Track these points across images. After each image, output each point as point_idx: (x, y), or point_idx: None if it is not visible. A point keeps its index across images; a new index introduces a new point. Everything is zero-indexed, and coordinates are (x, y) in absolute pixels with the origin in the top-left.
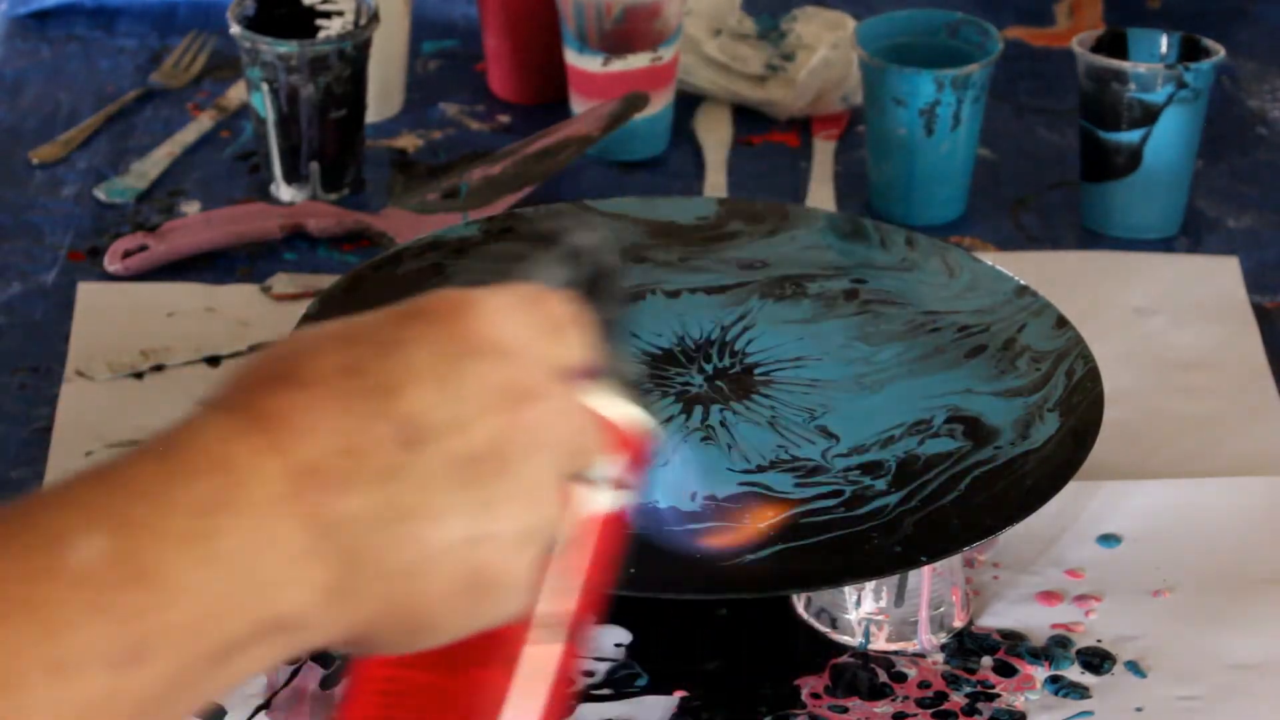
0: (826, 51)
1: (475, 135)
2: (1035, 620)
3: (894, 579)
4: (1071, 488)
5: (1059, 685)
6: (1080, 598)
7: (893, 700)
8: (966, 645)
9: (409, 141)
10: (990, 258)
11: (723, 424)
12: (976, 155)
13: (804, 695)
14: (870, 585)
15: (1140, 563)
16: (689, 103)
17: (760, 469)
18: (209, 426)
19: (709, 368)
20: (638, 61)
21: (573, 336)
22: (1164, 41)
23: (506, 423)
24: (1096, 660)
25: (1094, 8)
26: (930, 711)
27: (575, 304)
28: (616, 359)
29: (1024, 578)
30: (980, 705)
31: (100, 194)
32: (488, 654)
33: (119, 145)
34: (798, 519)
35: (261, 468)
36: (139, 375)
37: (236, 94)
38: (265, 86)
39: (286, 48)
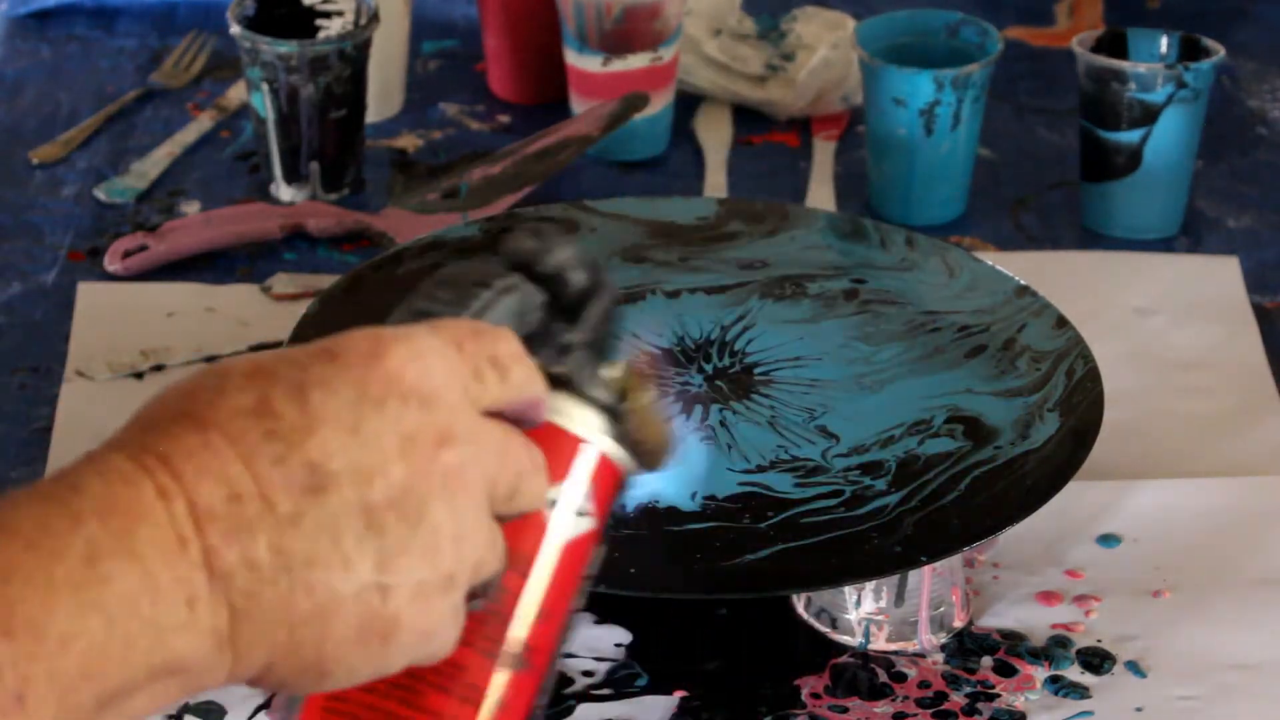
0: (826, 51)
1: (475, 135)
2: (1035, 620)
3: (894, 579)
4: (1071, 488)
5: (1059, 685)
6: (1080, 598)
7: (893, 700)
8: (966, 645)
9: (409, 141)
10: (990, 258)
11: (723, 424)
12: (976, 155)
13: (804, 695)
14: (870, 585)
15: (1140, 563)
16: (689, 103)
17: (760, 469)
18: (108, 468)
19: (709, 368)
20: (638, 61)
21: (511, 373)
22: (1164, 41)
23: (418, 470)
24: (1096, 660)
25: (1094, 8)
26: (930, 711)
27: (513, 339)
28: (594, 381)
29: (1024, 578)
30: (980, 705)
31: (100, 194)
32: (446, 681)
33: (119, 145)
34: (798, 519)
35: (156, 512)
36: (139, 375)
37: (236, 94)
38: (265, 86)
39: (286, 48)
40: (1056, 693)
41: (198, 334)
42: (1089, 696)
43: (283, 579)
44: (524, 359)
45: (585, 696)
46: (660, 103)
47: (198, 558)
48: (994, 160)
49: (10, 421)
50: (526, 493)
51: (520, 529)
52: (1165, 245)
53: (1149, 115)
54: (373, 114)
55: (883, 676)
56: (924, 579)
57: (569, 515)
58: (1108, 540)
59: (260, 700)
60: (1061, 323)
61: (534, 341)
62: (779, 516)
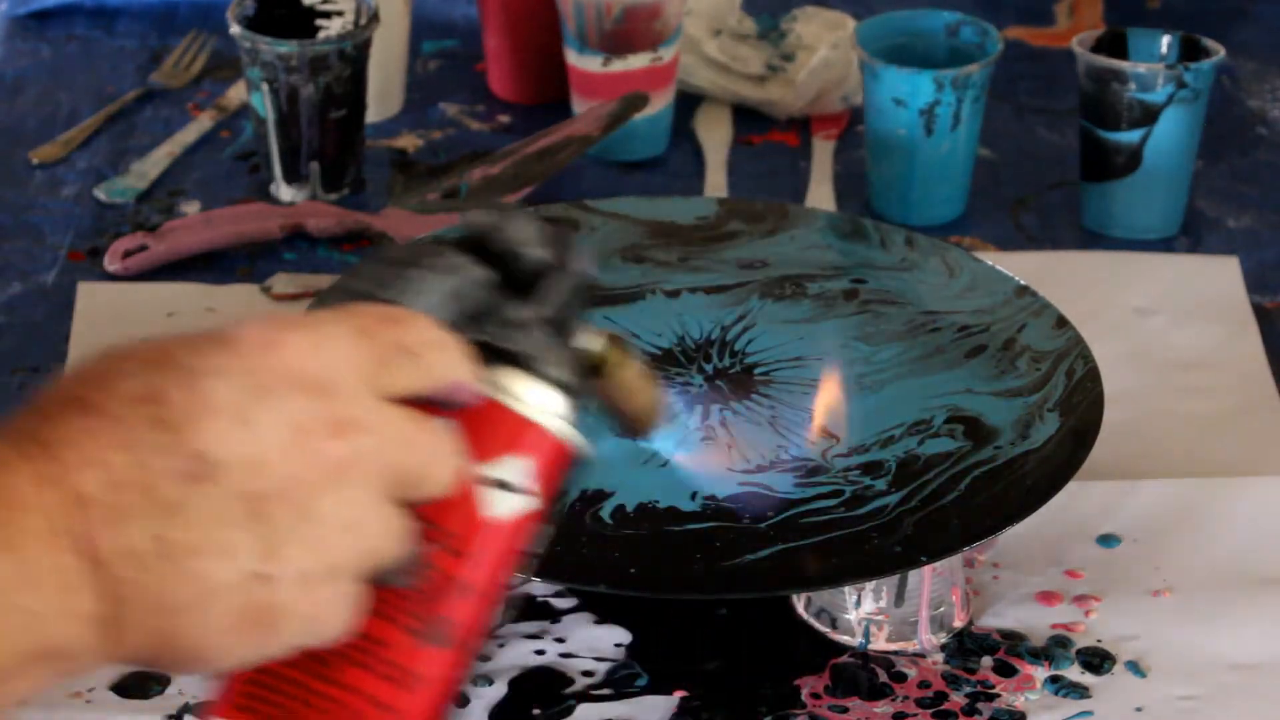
0: (826, 51)
1: (475, 135)
2: (1035, 620)
3: (894, 579)
4: (1071, 488)
5: (1059, 685)
6: (1080, 598)
7: (893, 700)
8: (966, 645)
9: (409, 141)
10: (990, 258)
11: (723, 424)
12: (976, 155)
13: (804, 695)
14: (870, 585)
15: (1140, 563)
16: (689, 103)
17: (760, 469)
18: None
19: (709, 368)
20: (638, 61)
21: (423, 359)
22: (1164, 41)
23: (308, 460)
24: (1096, 660)
25: (1094, 8)
26: (930, 711)
27: (427, 323)
28: (549, 357)
29: (1024, 578)
30: (980, 705)
31: (100, 194)
32: (367, 658)
33: (119, 145)
34: (798, 519)
35: (38, 498)
36: None
37: (236, 94)
38: (265, 86)
39: (286, 48)
40: (1056, 693)
41: None
42: (1089, 696)
43: (163, 567)
44: (440, 343)
45: (585, 696)
46: (660, 103)
47: (75, 545)
48: (994, 160)
49: None
50: (433, 479)
51: (450, 508)
52: (1165, 245)
53: (1149, 115)
54: (373, 114)
55: (883, 676)
56: (924, 579)
57: (503, 494)
58: (1108, 540)
59: None
60: (1061, 323)
61: (481, 320)
62: (779, 516)
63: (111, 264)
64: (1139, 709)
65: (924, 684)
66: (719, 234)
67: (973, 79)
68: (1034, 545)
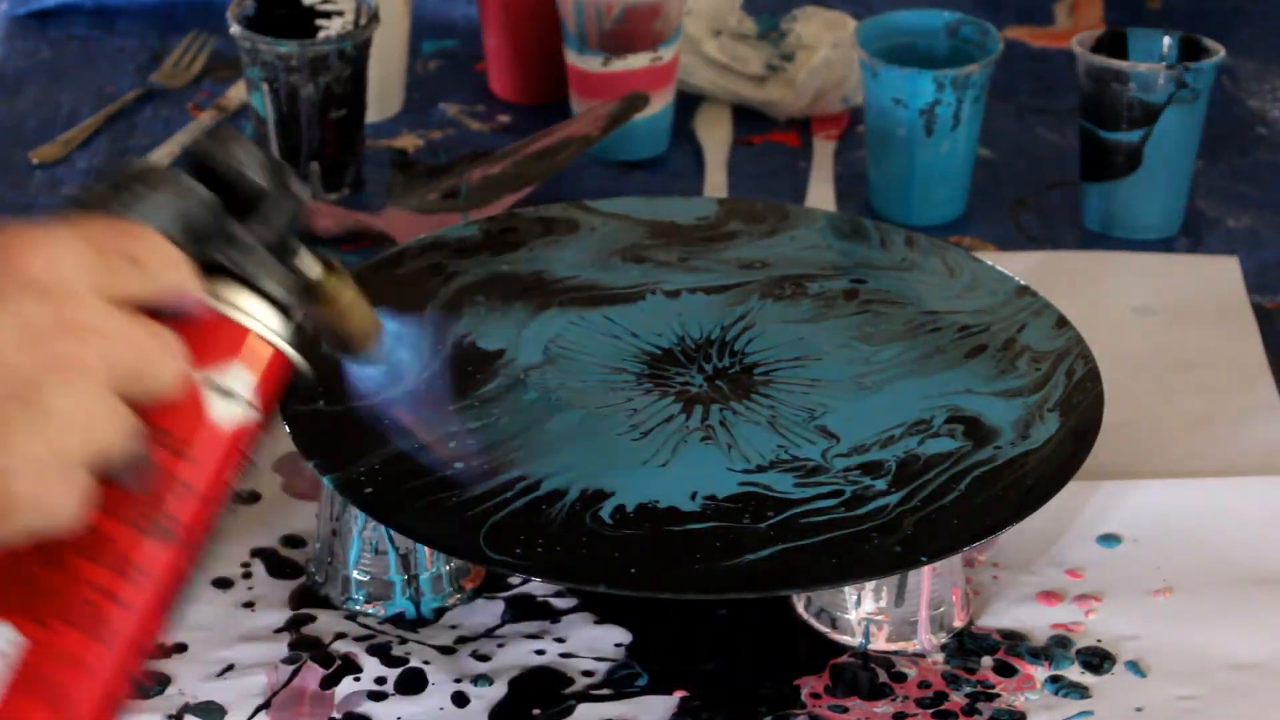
0: (826, 51)
1: (475, 135)
2: (1035, 620)
3: (894, 579)
4: (1071, 488)
5: (1059, 685)
6: (1080, 598)
7: (893, 700)
8: (966, 645)
9: (409, 141)
10: (990, 258)
11: (723, 424)
12: (976, 155)
13: (804, 695)
14: (870, 585)
15: (1140, 563)
16: (689, 103)
17: (760, 469)
18: None
19: (709, 368)
20: (638, 61)
21: (148, 267)
22: (1164, 41)
23: (36, 358)
24: (1096, 660)
25: (1094, 8)
26: (930, 711)
27: (154, 236)
28: (269, 276)
29: (1024, 578)
30: (980, 705)
31: None
32: (95, 551)
33: (119, 145)
34: (798, 519)
35: None
36: None
37: (236, 94)
38: (265, 86)
39: (286, 48)
40: (1056, 693)
41: None
42: (1089, 696)
43: None
44: (164, 254)
45: (585, 696)
46: (660, 103)
47: None
48: (994, 160)
49: None
50: (155, 377)
51: (175, 411)
52: (1165, 245)
53: (1149, 115)
54: (373, 114)
55: (883, 676)
56: (924, 579)
57: (225, 400)
58: (1108, 540)
59: (260, 700)
60: (1061, 323)
61: (206, 240)
62: (779, 516)
63: None
64: (1139, 709)
65: (924, 684)
66: (719, 234)
67: (973, 79)
68: (1034, 545)
